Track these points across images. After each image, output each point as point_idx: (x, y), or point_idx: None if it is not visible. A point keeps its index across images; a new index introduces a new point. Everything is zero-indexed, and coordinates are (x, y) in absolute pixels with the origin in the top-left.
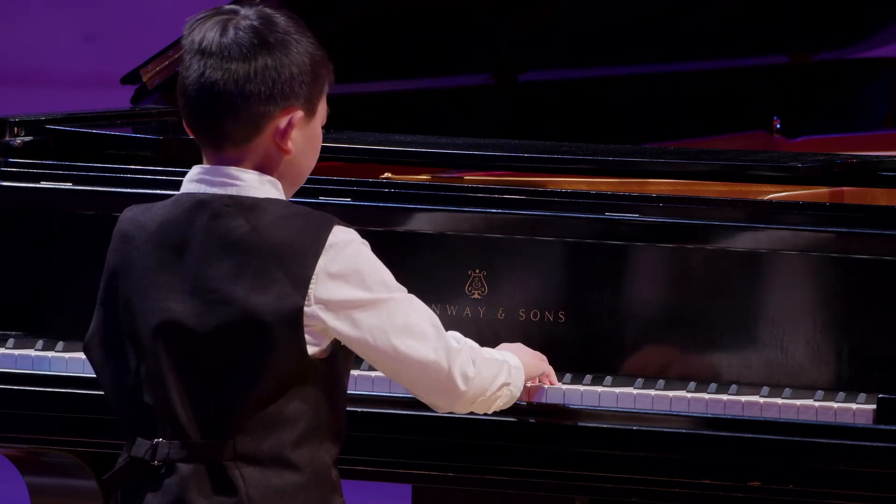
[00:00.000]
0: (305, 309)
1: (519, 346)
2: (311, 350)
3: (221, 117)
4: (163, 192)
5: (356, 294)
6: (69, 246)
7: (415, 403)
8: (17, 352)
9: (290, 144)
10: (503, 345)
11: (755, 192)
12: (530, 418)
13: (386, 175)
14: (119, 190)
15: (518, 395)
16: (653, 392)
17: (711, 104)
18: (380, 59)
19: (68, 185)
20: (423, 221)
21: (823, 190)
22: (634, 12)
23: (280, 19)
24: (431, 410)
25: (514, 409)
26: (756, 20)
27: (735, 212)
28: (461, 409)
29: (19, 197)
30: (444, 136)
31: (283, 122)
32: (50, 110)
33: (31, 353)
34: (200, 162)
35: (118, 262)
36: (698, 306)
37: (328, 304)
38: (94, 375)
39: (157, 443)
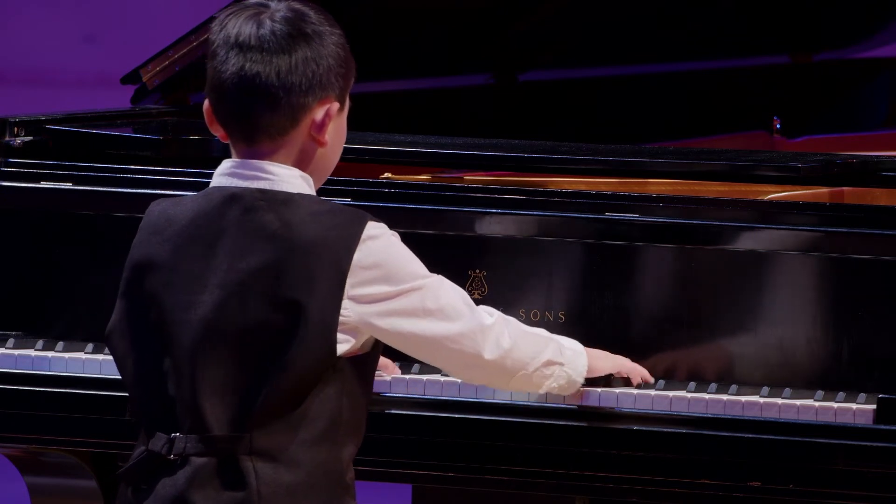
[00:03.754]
0: (341, 304)
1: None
2: (340, 348)
3: (260, 110)
4: (163, 192)
5: (390, 288)
6: (69, 246)
7: (414, 403)
8: (17, 352)
9: (326, 137)
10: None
11: (755, 192)
12: (530, 418)
13: (386, 175)
14: (119, 190)
15: (579, 380)
16: (653, 392)
17: (711, 104)
18: (380, 59)
19: (68, 185)
20: (423, 221)
21: (823, 190)
22: (634, 12)
23: (311, 11)
24: (431, 411)
25: (513, 410)
26: (756, 20)
27: (735, 212)
28: (502, 385)
29: (19, 197)
30: (444, 136)
31: (319, 114)
32: (50, 110)
33: (31, 353)
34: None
35: (145, 254)
36: (698, 306)
37: (363, 299)
38: (94, 375)
39: (175, 437)
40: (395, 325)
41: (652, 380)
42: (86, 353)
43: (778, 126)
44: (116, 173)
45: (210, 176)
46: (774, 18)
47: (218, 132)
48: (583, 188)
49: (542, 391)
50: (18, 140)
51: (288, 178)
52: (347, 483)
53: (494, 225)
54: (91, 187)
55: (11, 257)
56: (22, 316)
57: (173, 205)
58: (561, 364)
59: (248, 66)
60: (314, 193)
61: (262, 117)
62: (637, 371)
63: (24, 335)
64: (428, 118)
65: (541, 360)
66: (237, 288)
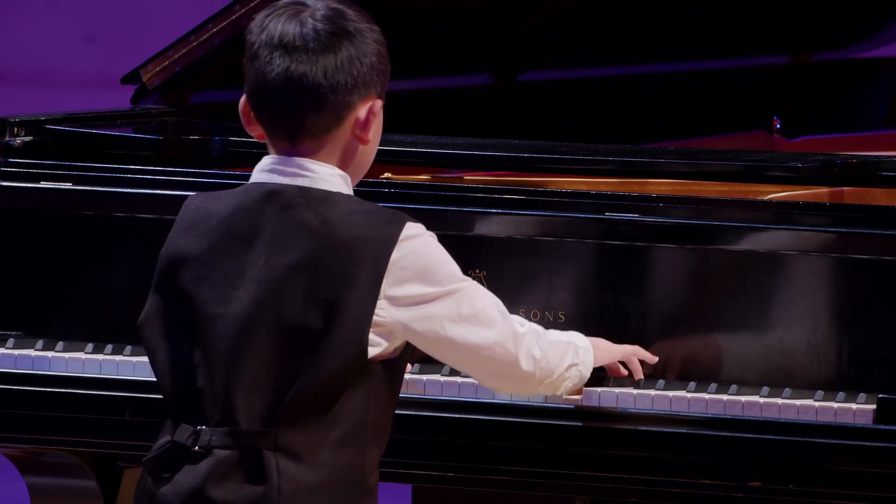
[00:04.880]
0: (376, 304)
1: (598, 339)
2: (372, 351)
3: (306, 110)
4: (163, 191)
5: (426, 289)
6: (69, 246)
7: (414, 403)
8: (17, 352)
9: (370, 134)
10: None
11: (755, 192)
12: (530, 418)
13: (386, 175)
14: (119, 190)
15: (587, 375)
16: (653, 392)
17: (711, 104)
18: None
19: (68, 185)
20: (423, 221)
21: (823, 190)
22: (634, 12)
23: (349, 10)
24: (431, 411)
25: (513, 410)
26: (756, 20)
27: (735, 212)
28: (528, 392)
29: (19, 197)
30: (444, 136)
31: (363, 112)
32: (50, 110)
33: (31, 353)
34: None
35: (181, 247)
36: (698, 306)
37: (399, 301)
38: (94, 375)
39: (200, 430)
40: (430, 329)
41: (655, 359)
42: (86, 353)
43: (778, 126)
44: (116, 173)
45: (210, 176)
46: (774, 18)
47: (255, 132)
48: (583, 188)
49: (559, 393)
50: (18, 140)
51: (327, 177)
52: (370, 487)
53: (494, 225)
54: (91, 187)
55: (11, 257)
56: (22, 316)
57: (212, 199)
58: (576, 365)
59: (293, 66)
60: (351, 192)
61: (307, 117)
62: (636, 361)
63: (24, 335)
64: (428, 118)
65: (564, 366)
66: (273, 284)
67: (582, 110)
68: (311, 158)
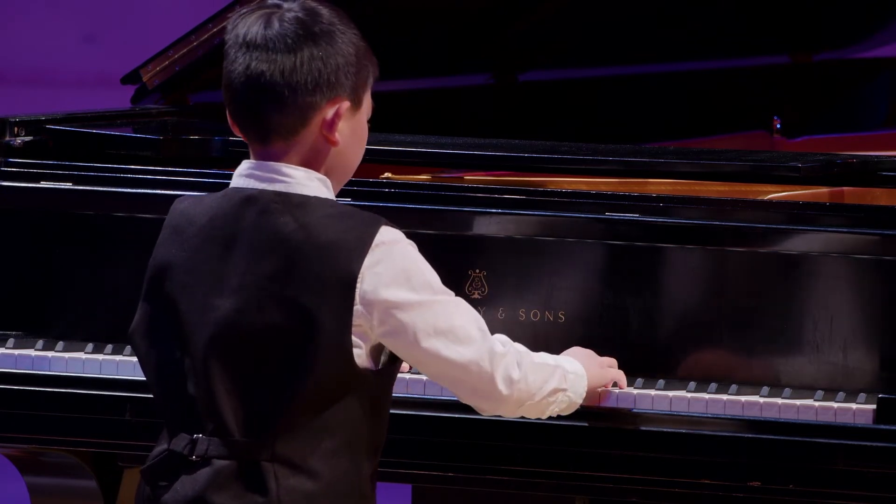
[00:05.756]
0: (352, 309)
1: (588, 353)
2: (356, 352)
3: (268, 109)
4: (163, 191)
5: (401, 295)
6: (69, 246)
7: (414, 403)
8: (17, 352)
9: (337, 136)
10: (572, 349)
11: (755, 192)
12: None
13: (386, 175)
14: (119, 190)
15: (579, 401)
16: (653, 392)
17: (711, 104)
18: (380, 60)
19: (68, 185)
20: (423, 221)
21: (823, 190)
22: (634, 12)
23: (324, 10)
24: (431, 411)
25: None
26: (756, 20)
27: (735, 212)
28: (508, 413)
29: (19, 197)
30: (444, 136)
31: (329, 113)
32: (50, 110)
33: (31, 353)
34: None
35: (167, 254)
36: (698, 306)
37: (374, 304)
38: (94, 375)
39: (197, 438)
40: (403, 338)
41: (625, 387)
42: (86, 353)
43: (778, 126)
44: (116, 173)
45: (210, 176)
46: (774, 18)
47: (240, 134)
48: (583, 188)
49: (544, 416)
50: (18, 140)
51: (304, 181)
52: (367, 494)
53: (494, 225)
54: (91, 187)
55: (11, 257)
56: (22, 316)
57: (195, 203)
58: (564, 390)
59: (253, 65)
60: (332, 196)
61: (271, 117)
62: (618, 383)
63: (24, 335)
64: (428, 118)
65: (547, 390)
66: (253, 292)
67: (582, 110)
68: (284, 160)
